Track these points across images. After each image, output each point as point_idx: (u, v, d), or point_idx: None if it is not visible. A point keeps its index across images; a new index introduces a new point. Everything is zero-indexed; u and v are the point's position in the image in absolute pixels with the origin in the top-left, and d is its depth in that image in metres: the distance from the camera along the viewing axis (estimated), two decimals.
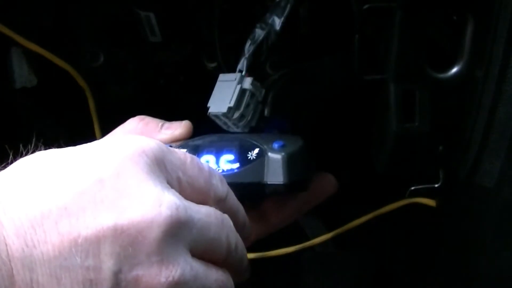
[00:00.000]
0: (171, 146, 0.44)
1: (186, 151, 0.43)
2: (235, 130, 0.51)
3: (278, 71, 0.58)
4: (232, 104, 0.50)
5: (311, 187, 0.49)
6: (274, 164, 0.41)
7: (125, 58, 0.67)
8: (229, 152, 0.43)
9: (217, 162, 0.42)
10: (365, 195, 0.72)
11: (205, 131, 0.50)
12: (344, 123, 0.78)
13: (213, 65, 0.66)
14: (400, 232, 0.74)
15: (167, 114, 0.76)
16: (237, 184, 0.41)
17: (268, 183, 0.41)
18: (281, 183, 0.41)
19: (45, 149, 0.37)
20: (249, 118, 0.51)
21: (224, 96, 0.51)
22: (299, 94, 0.58)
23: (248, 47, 0.52)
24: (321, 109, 0.73)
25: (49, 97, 0.72)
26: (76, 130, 0.76)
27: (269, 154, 0.42)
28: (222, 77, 0.53)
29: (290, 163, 0.41)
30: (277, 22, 0.52)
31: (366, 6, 0.49)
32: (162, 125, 0.46)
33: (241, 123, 0.51)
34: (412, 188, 0.55)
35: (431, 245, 0.66)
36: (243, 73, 0.52)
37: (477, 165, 0.50)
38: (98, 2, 0.64)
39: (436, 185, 0.54)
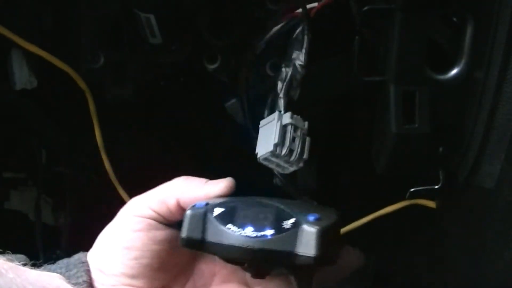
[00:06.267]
0: (207, 204, 0.45)
1: (223, 210, 0.44)
2: (290, 168, 0.51)
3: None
4: (276, 141, 0.50)
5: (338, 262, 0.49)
6: (308, 236, 0.42)
7: (125, 60, 0.67)
8: (265, 218, 0.44)
9: (253, 226, 0.43)
10: (366, 196, 0.73)
11: (206, 134, 0.50)
12: (344, 124, 0.78)
13: (213, 66, 0.66)
14: (400, 233, 0.74)
15: (167, 115, 0.77)
16: (268, 250, 0.42)
17: (299, 254, 0.42)
18: (312, 255, 0.42)
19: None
20: (298, 150, 0.51)
21: (267, 138, 0.51)
22: (299, 95, 0.58)
23: (280, 87, 0.53)
24: (321, 110, 0.73)
25: (49, 99, 0.72)
26: (76, 131, 0.76)
27: (304, 225, 0.42)
28: (262, 122, 0.53)
29: (323, 237, 0.42)
30: (300, 56, 0.53)
31: (365, 8, 0.49)
32: (206, 182, 0.48)
33: (292, 159, 0.51)
34: (412, 189, 0.55)
35: (431, 246, 0.66)
36: (282, 112, 0.52)
37: (477, 166, 0.50)
38: (98, 4, 0.64)
39: (436, 187, 0.54)
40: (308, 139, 0.52)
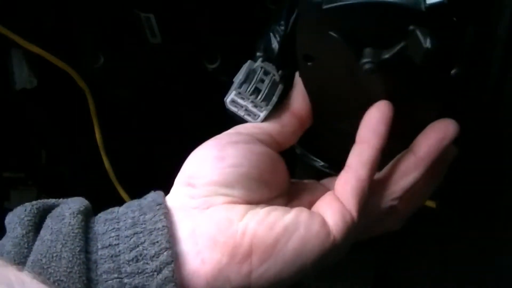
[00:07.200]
0: None
1: None
2: (259, 114, 0.47)
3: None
4: (242, 79, 0.46)
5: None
6: None
7: (125, 60, 0.67)
8: None
9: None
10: None
11: (206, 135, 0.50)
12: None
13: (213, 66, 0.66)
14: (400, 233, 0.74)
15: (167, 115, 0.77)
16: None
17: None
18: None
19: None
20: (266, 91, 0.46)
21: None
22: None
23: (259, 44, 0.51)
24: None
25: (49, 99, 0.72)
26: (76, 131, 0.76)
27: None
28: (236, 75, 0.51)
29: None
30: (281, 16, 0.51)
31: None
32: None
33: (259, 99, 0.46)
34: None
35: (431, 246, 0.66)
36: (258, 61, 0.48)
37: (478, 166, 0.51)
38: (98, 4, 0.64)
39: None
40: (280, 86, 0.48)
